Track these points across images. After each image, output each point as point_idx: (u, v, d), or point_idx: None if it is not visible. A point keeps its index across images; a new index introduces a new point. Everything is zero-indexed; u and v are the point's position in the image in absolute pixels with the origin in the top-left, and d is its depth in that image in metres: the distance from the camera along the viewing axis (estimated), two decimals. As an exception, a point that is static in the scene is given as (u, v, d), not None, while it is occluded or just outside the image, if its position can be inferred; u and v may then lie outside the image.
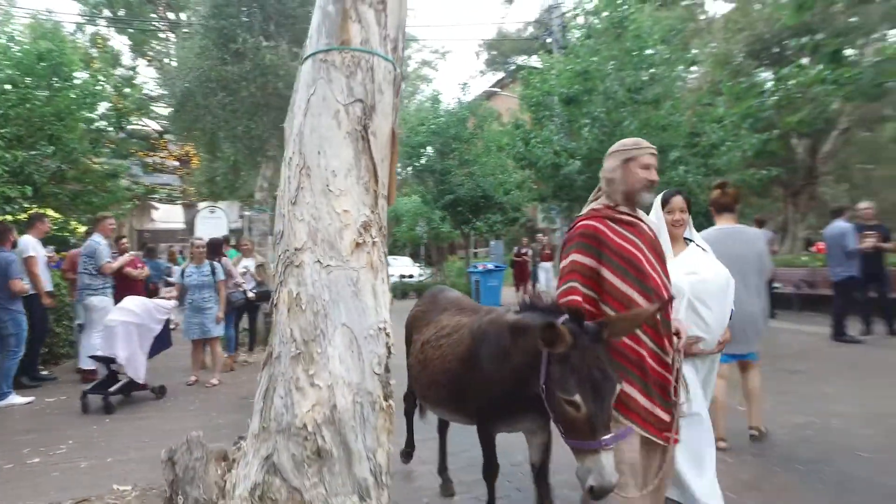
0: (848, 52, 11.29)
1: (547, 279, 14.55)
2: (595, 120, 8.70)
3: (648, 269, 2.24)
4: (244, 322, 8.29)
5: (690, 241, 3.09)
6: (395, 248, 29.63)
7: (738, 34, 12.07)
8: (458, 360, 2.67)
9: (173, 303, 6.37)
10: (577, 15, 10.06)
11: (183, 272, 6.67)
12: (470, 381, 2.59)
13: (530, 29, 29.21)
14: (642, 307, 2.16)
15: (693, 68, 12.08)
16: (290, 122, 2.47)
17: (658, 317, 2.19)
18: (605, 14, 9.45)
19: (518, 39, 28.61)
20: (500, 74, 31.55)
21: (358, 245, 2.23)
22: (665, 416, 2.26)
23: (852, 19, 9.30)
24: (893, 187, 15.56)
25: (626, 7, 9.27)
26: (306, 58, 2.47)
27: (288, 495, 1.98)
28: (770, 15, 9.30)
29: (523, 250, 15.49)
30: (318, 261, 2.17)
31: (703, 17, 21.33)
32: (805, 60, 8.44)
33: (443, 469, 3.48)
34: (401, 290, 16.96)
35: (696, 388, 2.89)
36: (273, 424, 2.07)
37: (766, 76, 11.23)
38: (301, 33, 10.22)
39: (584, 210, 2.47)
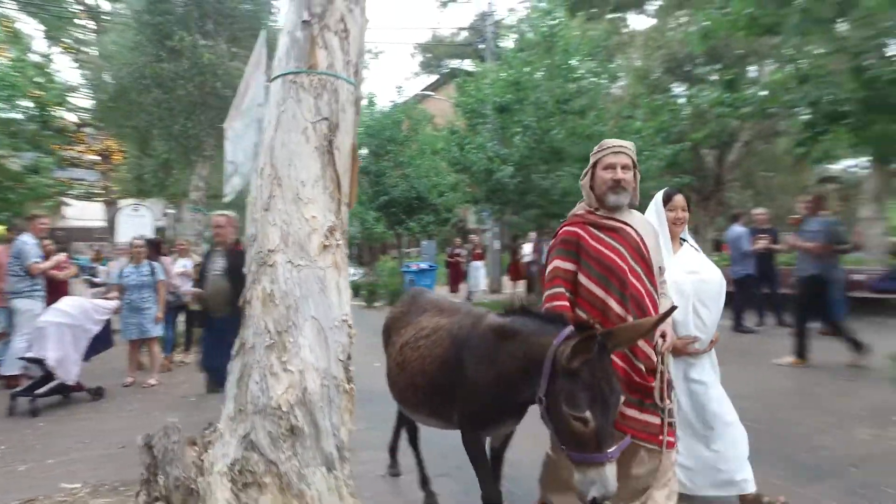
0: (752, 70, 12.55)
1: (476, 278, 15.07)
2: (526, 128, 9.28)
3: (630, 277, 2.22)
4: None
5: (685, 240, 3.06)
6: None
7: (656, 51, 13.10)
8: (436, 363, 2.57)
9: (114, 303, 6.30)
10: (511, 27, 10.62)
11: (121, 272, 6.59)
12: (450, 384, 2.49)
13: (464, 33, 29.83)
14: (618, 314, 2.17)
15: (616, 81, 12.97)
16: (262, 135, 2.71)
17: (631, 320, 2.19)
18: (536, 27, 10.08)
19: (451, 44, 29.14)
20: (434, 77, 31.96)
21: (325, 247, 2.52)
22: (653, 420, 2.25)
23: (746, 49, 10.40)
24: (788, 194, 17.28)
25: (555, 22, 9.91)
26: (275, 77, 2.72)
27: (265, 468, 2.24)
28: (683, 37, 10.21)
29: (457, 250, 15.95)
30: (290, 261, 2.44)
31: (625, 30, 22.67)
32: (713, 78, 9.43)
33: (424, 482, 3.30)
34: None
35: (707, 385, 2.91)
36: (250, 406, 2.33)
37: (680, 92, 12.28)
38: (239, 32, 10.24)
39: (569, 215, 2.47)
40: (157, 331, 6.69)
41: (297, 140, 2.56)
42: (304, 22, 2.66)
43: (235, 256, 4.73)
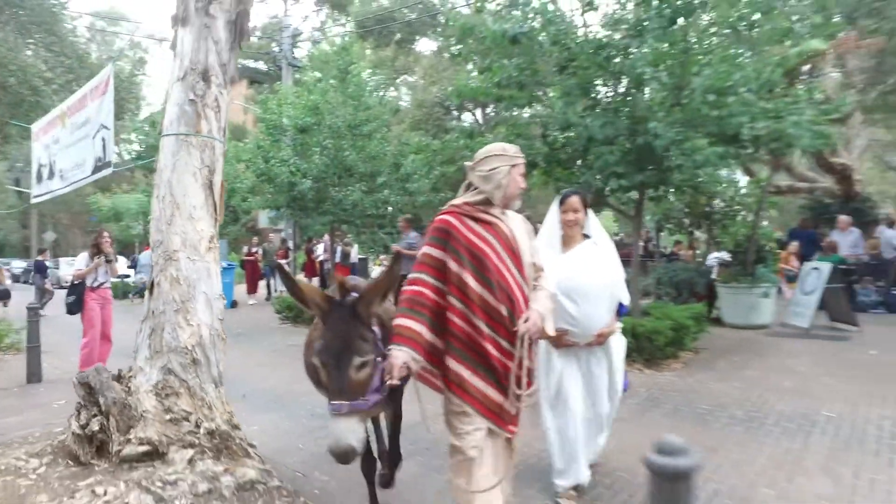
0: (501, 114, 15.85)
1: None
2: (323, 148, 10.88)
3: (498, 265, 2.25)
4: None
5: (588, 236, 3.22)
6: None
7: (432, 85, 15.70)
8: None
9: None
10: (312, 56, 11.96)
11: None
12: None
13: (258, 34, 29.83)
14: (488, 301, 2.22)
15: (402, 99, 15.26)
16: (159, 172, 3.97)
17: (500, 307, 2.22)
18: (334, 62, 11.77)
19: (246, 50, 28.78)
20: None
21: (209, 248, 3.92)
22: (510, 408, 2.25)
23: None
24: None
25: (349, 58, 11.69)
26: (168, 134, 4.01)
27: (180, 384, 3.60)
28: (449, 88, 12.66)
29: (254, 249, 16.71)
30: (188, 257, 3.80)
31: (410, 57, 25.49)
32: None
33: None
34: (121, 291, 16.45)
35: (571, 374, 3.15)
36: (165, 348, 3.64)
37: (450, 124, 15.03)
38: (29, 24, 9.79)
39: (447, 205, 2.49)
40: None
41: (189, 180, 3.91)
42: (190, 100, 4.01)
43: None
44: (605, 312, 3.07)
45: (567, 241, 3.16)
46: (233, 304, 14.34)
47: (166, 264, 3.79)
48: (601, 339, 3.10)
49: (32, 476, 3.32)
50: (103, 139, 5.72)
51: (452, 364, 2.24)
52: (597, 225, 3.26)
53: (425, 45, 23.66)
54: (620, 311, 3.21)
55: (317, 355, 2.13)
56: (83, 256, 6.86)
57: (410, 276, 2.33)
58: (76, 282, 6.76)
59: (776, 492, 3.30)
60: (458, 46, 7.91)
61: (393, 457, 3.02)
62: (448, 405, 2.28)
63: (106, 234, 6.93)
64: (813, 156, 14.45)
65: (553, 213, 3.18)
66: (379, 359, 2.15)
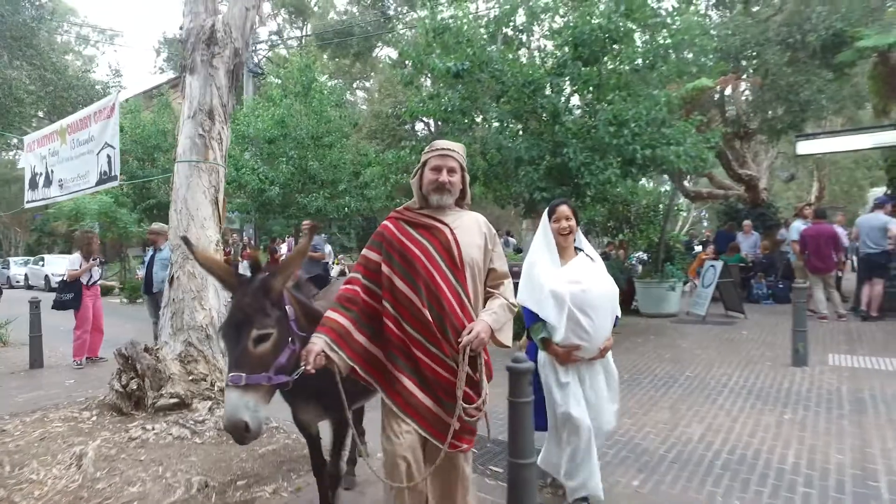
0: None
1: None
2: (289, 158, 11.91)
3: (429, 268, 2.21)
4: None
5: (580, 250, 3.08)
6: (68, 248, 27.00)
7: (387, 98, 16.86)
8: None
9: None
10: (278, 71, 12.91)
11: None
12: None
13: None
14: (415, 304, 2.18)
15: (359, 104, 16.37)
16: (175, 190, 5.05)
17: (426, 312, 2.17)
18: (297, 79, 12.82)
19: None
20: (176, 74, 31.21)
21: (216, 250, 5.04)
22: (446, 418, 2.17)
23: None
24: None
25: (312, 75, 12.75)
26: (182, 161, 5.09)
27: (197, 353, 4.71)
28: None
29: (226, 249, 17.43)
30: (201, 257, 4.91)
31: (367, 65, 26.50)
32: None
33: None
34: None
35: (576, 393, 2.90)
36: (185, 326, 4.74)
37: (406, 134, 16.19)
38: (12, 41, 10.34)
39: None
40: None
41: (200, 197, 5.01)
42: (199, 135, 5.10)
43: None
44: (609, 324, 2.93)
45: (562, 253, 3.01)
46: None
47: (184, 262, 4.89)
48: (604, 353, 2.94)
49: (89, 422, 4.39)
50: (108, 156, 6.66)
51: (391, 368, 2.21)
52: (584, 239, 3.16)
53: (384, 51, 24.80)
54: (616, 323, 3.05)
55: (220, 328, 2.14)
56: (76, 257, 7.68)
57: (348, 275, 2.41)
58: (70, 281, 7.56)
59: (632, 420, 4.69)
60: (410, 74, 9.16)
61: (332, 471, 2.71)
62: (384, 406, 2.24)
63: (96, 237, 7.81)
64: (724, 167, 16.42)
65: (545, 226, 3.02)
66: (291, 340, 2.15)
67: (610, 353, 3.04)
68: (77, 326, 7.65)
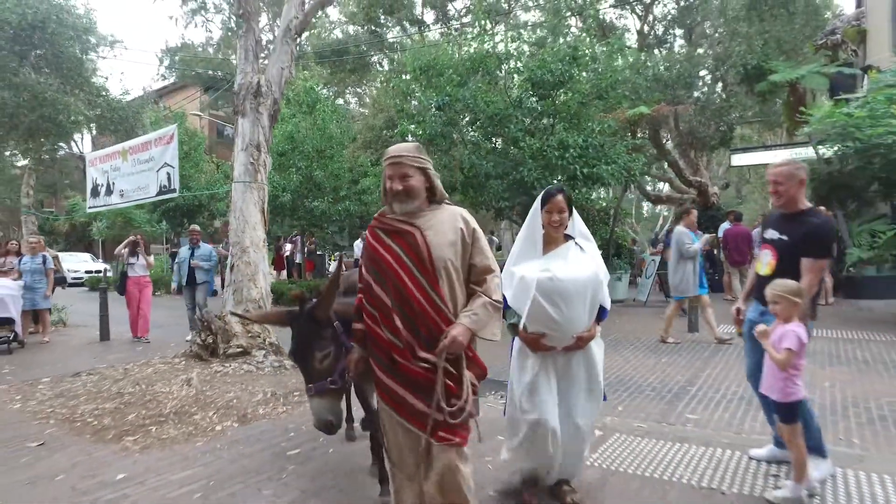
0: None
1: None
2: (298, 168, 13.74)
3: (399, 272, 2.22)
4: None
5: (571, 237, 2.86)
6: (71, 245, 28.58)
7: (380, 113, 18.69)
8: None
9: (20, 282, 8.79)
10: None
11: (20, 260, 9.03)
12: None
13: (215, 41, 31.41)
14: (386, 304, 2.25)
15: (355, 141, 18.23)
16: (233, 203, 6.90)
17: (399, 316, 2.21)
18: (303, 99, 14.69)
19: (205, 58, 30.65)
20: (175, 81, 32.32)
21: (261, 246, 6.90)
22: (424, 408, 2.18)
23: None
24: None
25: (315, 96, 14.59)
26: (238, 181, 6.94)
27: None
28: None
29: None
30: (253, 251, 6.76)
31: (364, 79, 28.20)
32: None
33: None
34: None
35: (552, 382, 2.74)
36: (244, 299, 6.59)
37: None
38: (66, 70, 12.00)
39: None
40: (47, 304, 9.27)
41: (252, 208, 6.85)
42: (250, 163, 6.94)
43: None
44: (584, 315, 2.70)
45: (549, 242, 2.82)
46: (213, 293, 16.88)
47: (242, 254, 6.74)
48: (581, 343, 2.72)
49: (181, 365, 6.24)
50: (168, 173, 8.44)
51: (374, 366, 2.32)
52: (581, 224, 2.89)
53: (378, 64, 26.48)
54: (601, 316, 2.82)
55: (290, 356, 2.61)
56: (125, 251, 9.32)
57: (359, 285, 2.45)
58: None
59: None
60: (400, 104, 11.06)
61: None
62: (378, 404, 2.39)
63: (142, 238, 9.55)
64: (677, 175, 18.47)
65: (535, 214, 2.79)
66: (344, 349, 2.54)
67: (596, 347, 2.81)
68: (128, 308, 9.30)
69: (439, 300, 2.22)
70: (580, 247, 2.83)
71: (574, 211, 2.88)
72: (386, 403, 2.28)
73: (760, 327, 2.93)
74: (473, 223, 2.37)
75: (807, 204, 3.14)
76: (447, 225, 2.31)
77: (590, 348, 2.79)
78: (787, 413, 2.83)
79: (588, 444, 2.92)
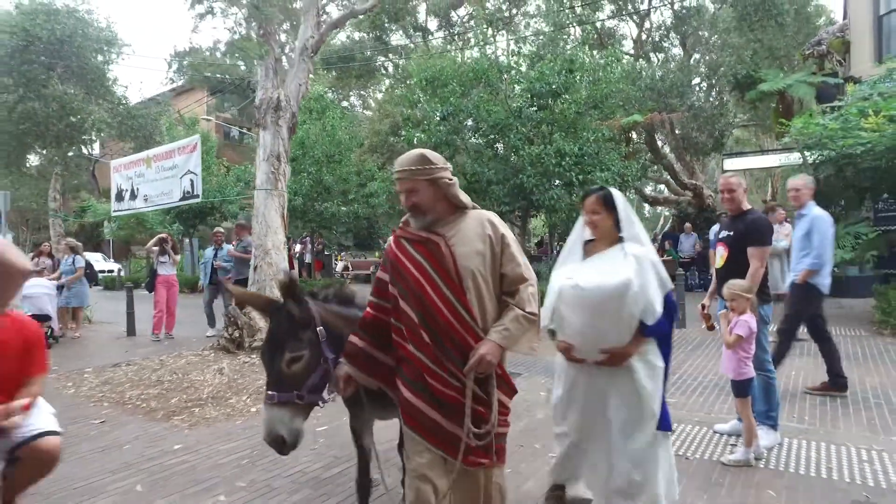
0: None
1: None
2: (309, 173, 14.35)
3: (424, 285, 2.10)
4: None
5: (622, 239, 2.57)
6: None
7: (386, 118, 19.26)
8: None
9: (55, 282, 9.38)
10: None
11: (60, 262, 9.64)
12: None
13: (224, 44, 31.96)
14: (413, 320, 2.10)
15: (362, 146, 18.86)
16: (256, 209, 7.47)
17: (425, 331, 2.08)
18: (313, 106, 15.29)
19: (213, 63, 31.11)
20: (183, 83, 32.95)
21: (282, 248, 7.48)
22: (452, 430, 2.05)
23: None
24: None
25: (325, 103, 15.21)
26: (261, 189, 7.52)
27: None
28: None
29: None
30: (275, 252, 7.34)
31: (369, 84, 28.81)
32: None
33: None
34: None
35: (576, 405, 2.64)
36: (265, 287, 7.19)
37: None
38: (91, 82, 12.62)
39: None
40: (78, 302, 9.88)
41: (273, 213, 7.42)
42: (272, 172, 7.52)
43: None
44: (611, 328, 2.43)
45: (594, 246, 2.65)
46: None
47: (265, 256, 7.32)
48: (614, 361, 2.45)
49: (210, 357, 6.82)
50: (191, 180, 9.03)
51: (399, 386, 2.16)
52: (632, 226, 2.57)
53: (383, 70, 27.09)
54: (651, 330, 2.44)
55: (260, 350, 2.29)
56: (155, 249, 9.89)
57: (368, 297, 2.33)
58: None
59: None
60: (408, 113, 11.65)
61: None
62: (402, 426, 2.20)
63: (170, 238, 10.14)
64: (672, 178, 19.02)
65: (580, 217, 2.69)
66: (323, 360, 2.23)
67: (641, 365, 2.45)
68: (154, 307, 9.86)
69: (466, 314, 2.07)
70: (625, 251, 2.50)
71: (628, 212, 2.57)
72: (409, 426, 2.11)
73: (722, 312, 3.53)
74: (502, 227, 2.20)
75: (748, 206, 3.77)
76: (473, 232, 2.15)
77: (634, 368, 2.44)
78: (740, 388, 3.41)
79: (646, 471, 2.46)
